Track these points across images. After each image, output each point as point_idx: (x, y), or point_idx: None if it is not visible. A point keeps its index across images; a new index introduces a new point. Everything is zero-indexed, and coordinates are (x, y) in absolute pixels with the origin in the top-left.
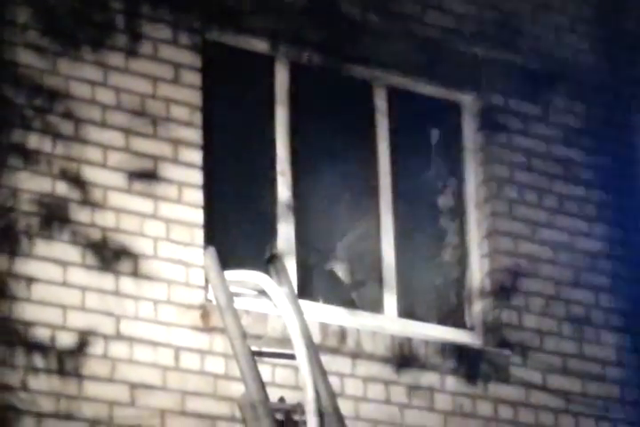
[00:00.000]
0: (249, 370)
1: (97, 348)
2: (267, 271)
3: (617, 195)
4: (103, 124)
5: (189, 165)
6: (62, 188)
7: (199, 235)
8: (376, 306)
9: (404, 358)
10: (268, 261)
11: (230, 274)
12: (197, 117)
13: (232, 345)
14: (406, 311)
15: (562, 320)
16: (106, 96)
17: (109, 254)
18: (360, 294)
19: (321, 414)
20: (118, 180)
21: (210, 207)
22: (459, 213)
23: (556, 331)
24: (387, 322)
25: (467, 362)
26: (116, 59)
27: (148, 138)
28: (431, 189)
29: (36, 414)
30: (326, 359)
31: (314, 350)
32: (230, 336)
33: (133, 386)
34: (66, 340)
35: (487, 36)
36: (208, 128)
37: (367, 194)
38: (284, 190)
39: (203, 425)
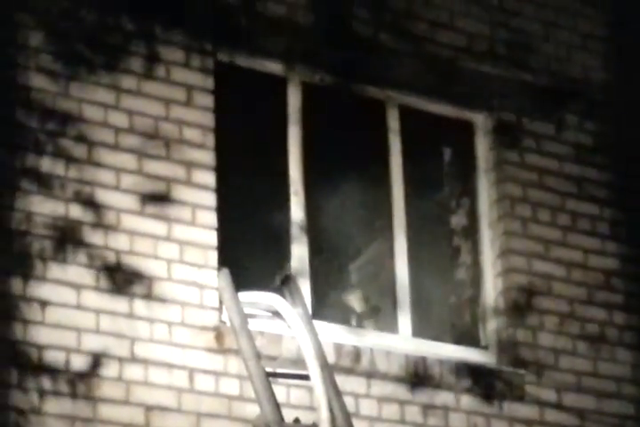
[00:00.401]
0: (264, 391)
1: (111, 370)
2: (281, 292)
3: (630, 212)
4: (116, 147)
5: (202, 187)
6: (76, 211)
7: (213, 257)
8: (390, 326)
9: (418, 377)
10: (281, 283)
11: (244, 295)
12: (210, 139)
13: (246, 366)
14: (420, 331)
15: (576, 338)
16: (118, 119)
17: (123, 277)
18: (374, 314)
19: None
20: (131, 202)
21: (223, 229)
22: (472, 232)
23: (570, 349)
24: (401, 342)
25: (481, 381)
26: (128, 81)
27: (160, 160)
28: (444, 209)
29: None
30: (341, 380)
31: (328, 370)
32: (245, 358)
33: (148, 408)
34: (80, 363)
35: (499, 55)
36: (221, 150)
37: (380, 214)
38: (297, 211)
39: None
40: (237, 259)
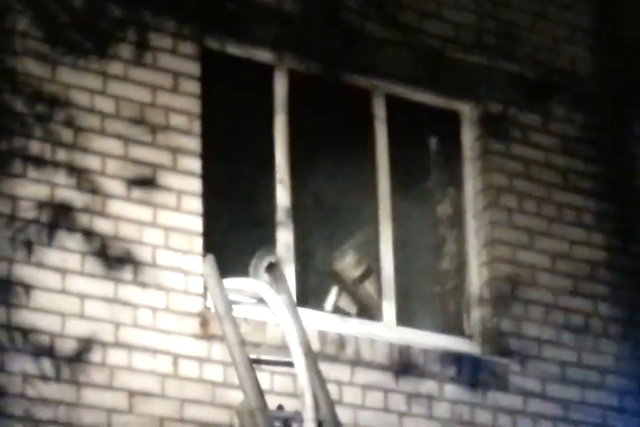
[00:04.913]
0: (247, 378)
1: (96, 355)
2: (265, 279)
3: (615, 204)
4: (102, 133)
5: (188, 173)
6: (61, 195)
7: (198, 243)
8: (375, 314)
9: (402, 365)
10: (266, 269)
11: (229, 282)
12: (196, 126)
13: (231, 353)
14: (405, 319)
15: (561, 329)
16: (105, 104)
17: (108, 262)
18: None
19: (319, 422)
20: (117, 187)
21: (209, 215)
22: (457, 221)
23: (554, 339)
24: (385, 330)
25: (465, 370)
26: (116, 67)
27: (147, 146)
28: (430, 198)
29: (34, 422)
30: (325, 367)
31: (312, 357)
32: (229, 344)
33: (132, 394)
34: (65, 347)
35: (486, 46)
36: (207, 136)
37: (366, 202)
38: (283, 198)
39: None
40: (222, 245)
